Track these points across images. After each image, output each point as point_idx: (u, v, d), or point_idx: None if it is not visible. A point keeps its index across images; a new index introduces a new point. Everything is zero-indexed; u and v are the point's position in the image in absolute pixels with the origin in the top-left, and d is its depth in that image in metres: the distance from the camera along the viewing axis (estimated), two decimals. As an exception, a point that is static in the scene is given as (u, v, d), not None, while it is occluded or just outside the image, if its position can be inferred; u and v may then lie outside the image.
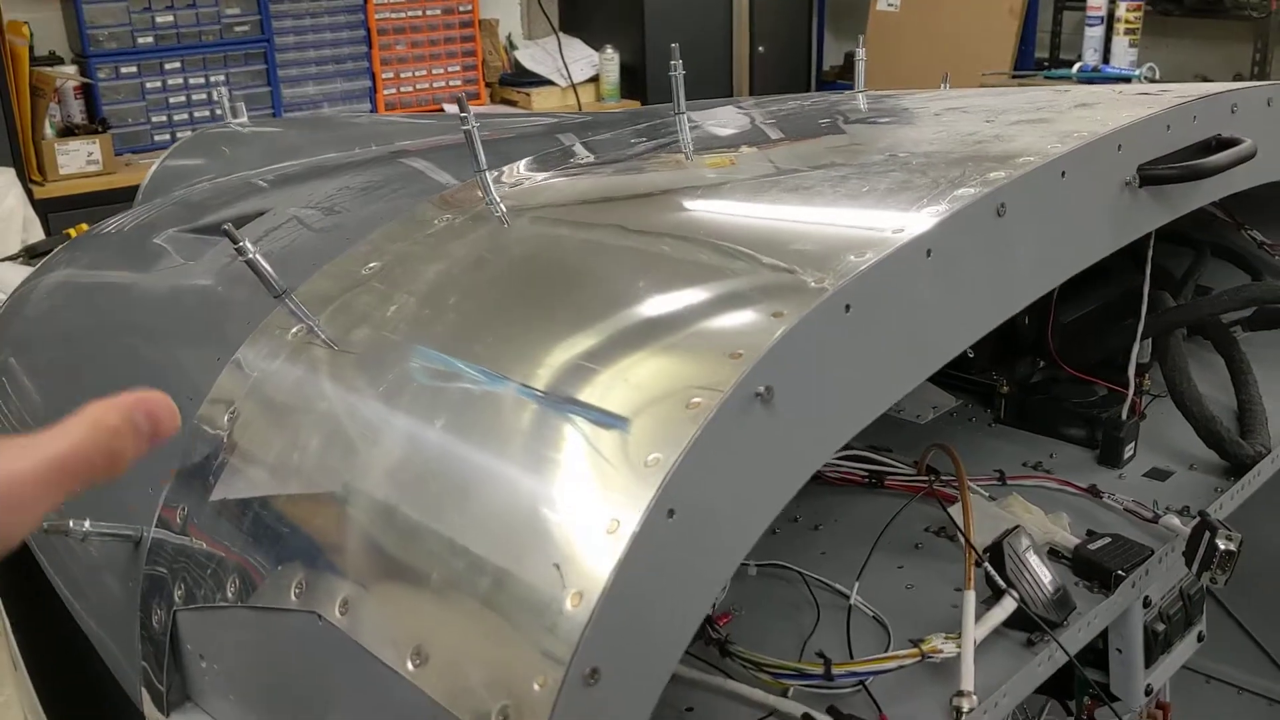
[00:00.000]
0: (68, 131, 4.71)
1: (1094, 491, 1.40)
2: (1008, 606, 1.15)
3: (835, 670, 1.07)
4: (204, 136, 2.37)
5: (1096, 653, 1.34)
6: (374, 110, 5.40)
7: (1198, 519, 1.28)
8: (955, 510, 1.29)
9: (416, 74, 5.54)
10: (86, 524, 1.13)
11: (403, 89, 5.49)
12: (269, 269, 1.15)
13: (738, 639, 1.14)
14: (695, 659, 1.14)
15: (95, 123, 4.79)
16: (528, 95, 5.79)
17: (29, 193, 4.40)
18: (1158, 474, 1.48)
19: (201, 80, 4.97)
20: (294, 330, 1.12)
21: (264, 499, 1.02)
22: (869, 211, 1.07)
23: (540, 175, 1.39)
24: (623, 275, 1.06)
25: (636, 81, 5.86)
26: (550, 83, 5.87)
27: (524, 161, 1.43)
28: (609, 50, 5.90)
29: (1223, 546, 1.25)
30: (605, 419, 0.84)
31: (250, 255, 1.14)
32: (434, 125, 2.21)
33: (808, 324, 0.85)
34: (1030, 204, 1.03)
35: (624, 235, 1.18)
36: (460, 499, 0.87)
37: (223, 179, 1.98)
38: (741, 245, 1.03)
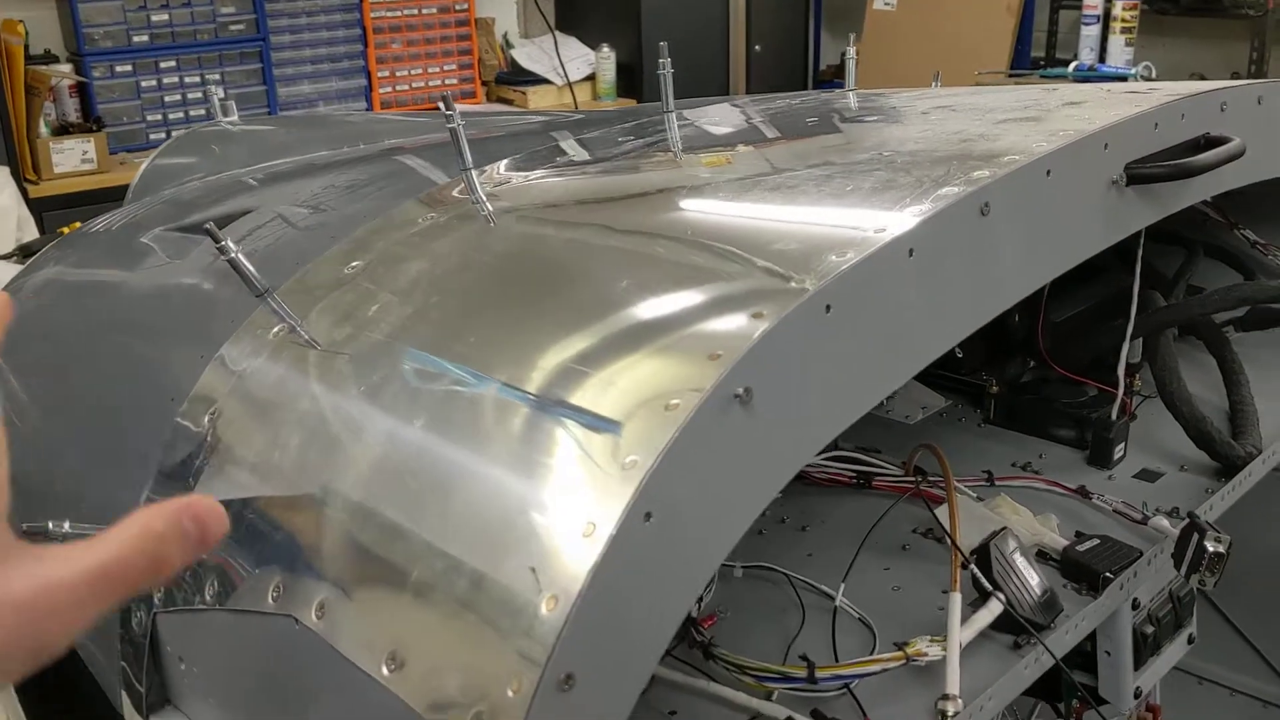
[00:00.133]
0: (62, 130, 4.70)
1: (1083, 492, 1.39)
2: (994, 609, 1.15)
3: (819, 673, 1.06)
4: (194, 135, 2.36)
5: (1085, 655, 1.34)
6: (370, 109, 5.39)
7: (1187, 520, 1.28)
8: (942, 511, 1.28)
9: (412, 73, 5.53)
10: (66, 525, 1.12)
11: (399, 88, 5.48)
12: (250, 268, 1.14)
13: (722, 641, 1.13)
14: (679, 662, 1.13)
15: (90, 121, 4.78)
16: (524, 94, 5.78)
17: (23, 191, 4.39)
18: (1148, 475, 1.47)
19: (197, 79, 4.95)
20: (276, 329, 1.12)
21: (244, 500, 1.01)
22: (852, 211, 1.06)
23: (527, 174, 1.38)
24: (604, 275, 1.06)
25: (633, 80, 5.86)
26: (547, 81, 5.86)
27: (511, 159, 1.42)
28: (605, 49, 5.89)
29: (1211, 548, 1.24)
30: (583, 420, 0.83)
31: (232, 254, 1.13)
32: (426, 124, 2.20)
33: (788, 324, 0.84)
34: (1015, 203, 1.02)
35: (607, 235, 1.18)
36: (437, 501, 0.86)
37: (212, 178, 1.97)
38: (723, 245, 1.03)
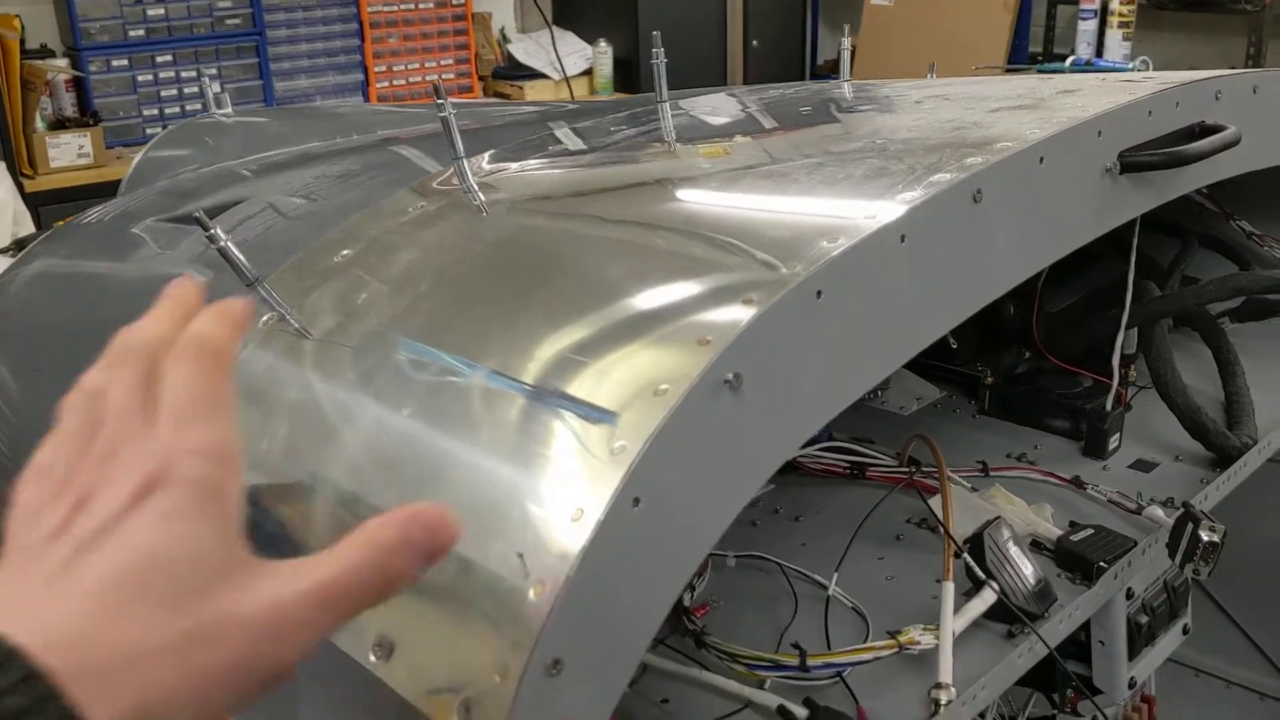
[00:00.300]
0: (59, 125, 4.69)
1: (1078, 483, 1.38)
2: (987, 598, 1.14)
3: (811, 661, 1.06)
4: (187, 127, 2.35)
5: (1080, 645, 1.33)
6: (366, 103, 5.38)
7: (1181, 510, 1.27)
8: (935, 502, 1.28)
9: (409, 67, 5.52)
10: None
11: (395, 82, 5.48)
12: (240, 257, 1.14)
13: (715, 630, 1.13)
14: (672, 650, 1.13)
15: (86, 116, 4.77)
16: (521, 89, 5.78)
17: (19, 186, 4.39)
18: (1142, 465, 1.47)
19: (193, 73, 4.95)
20: (265, 318, 1.11)
21: (233, 488, 1.01)
22: (843, 198, 1.05)
23: (519, 163, 1.37)
24: (594, 263, 1.05)
25: (630, 75, 5.85)
26: (544, 76, 5.85)
27: (504, 149, 1.41)
28: (602, 44, 5.89)
29: (1206, 538, 1.24)
30: (572, 406, 0.82)
31: (222, 243, 1.13)
32: (420, 115, 2.19)
33: (778, 310, 0.84)
34: (1008, 190, 1.01)
35: (598, 223, 1.17)
36: (425, 487, 0.86)
37: (205, 169, 1.96)
38: (714, 233, 1.02)
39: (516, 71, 5.90)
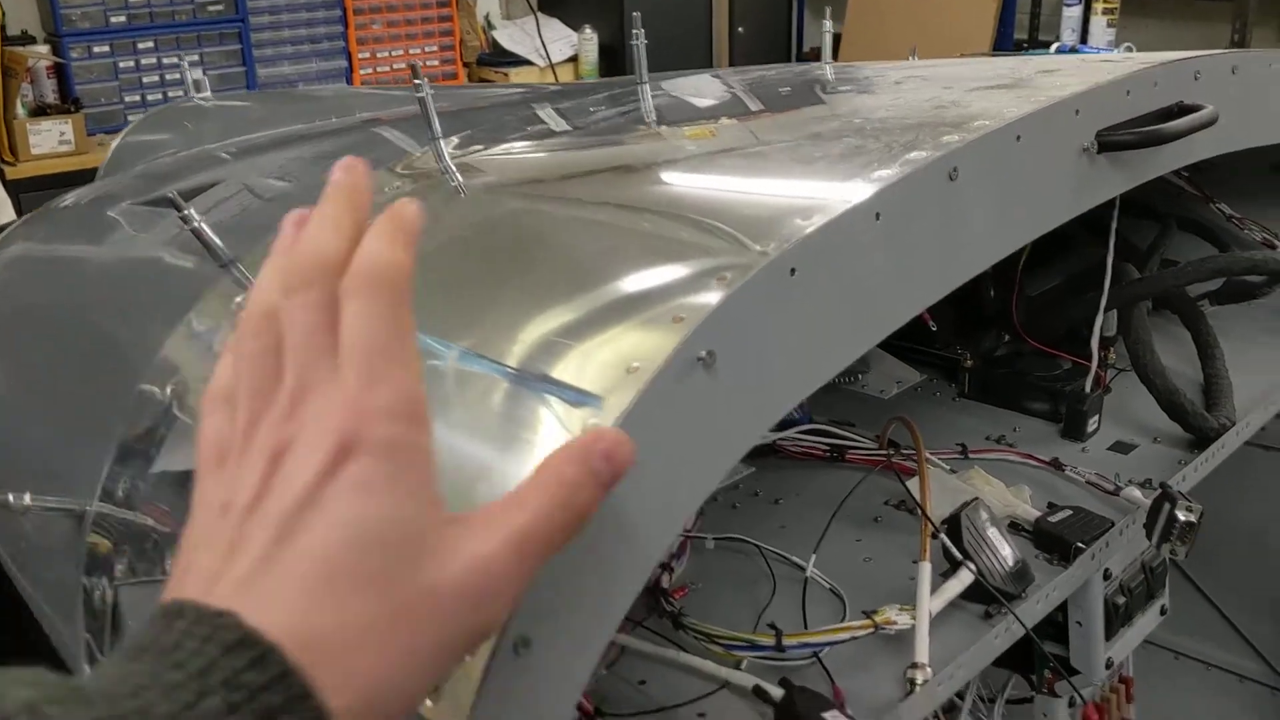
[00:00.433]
0: (40, 111, 4.67)
1: (1056, 464, 1.38)
2: (964, 579, 1.14)
3: (787, 641, 1.05)
4: (166, 111, 2.34)
5: (1057, 626, 1.33)
6: (350, 90, 5.36)
7: (1159, 491, 1.28)
8: (913, 483, 1.28)
9: (393, 54, 5.50)
10: (27, 498, 1.11)
11: (379, 69, 5.45)
12: (214, 238, 1.13)
13: (693, 612, 1.13)
14: (650, 632, 1.13)
15: (68, 103, 4.75)
16: (506, 75, 5.76)
17: (0, 173, 4.36)
18: (1121, 447, 1.47)
19: (175, 60, 4.92)
20: (239, 299, 1.11)
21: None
22: (819, 177, 1.05)
23: (497, 144, 1.37)
24: (569, 242, 1.05)
25: (615, 62, 5.84)
26: (529, 63, 5.84)
27: (481, 129, 1.41)
28: (587, 30, 5.87)
29: (1182, 518, 1.24)
30: (542, 385, 0.82)
31: (195, 224, 1.12)
32: (402, 97, 2.18)
33: (751, 288, 0.83)
34: (984, 168, 1.01)
35: (574, 204, 1.17)
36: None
37: (184, 153, 1.95)
38: (688, 213, 1.02)
39: (501, 58, 5.88)
